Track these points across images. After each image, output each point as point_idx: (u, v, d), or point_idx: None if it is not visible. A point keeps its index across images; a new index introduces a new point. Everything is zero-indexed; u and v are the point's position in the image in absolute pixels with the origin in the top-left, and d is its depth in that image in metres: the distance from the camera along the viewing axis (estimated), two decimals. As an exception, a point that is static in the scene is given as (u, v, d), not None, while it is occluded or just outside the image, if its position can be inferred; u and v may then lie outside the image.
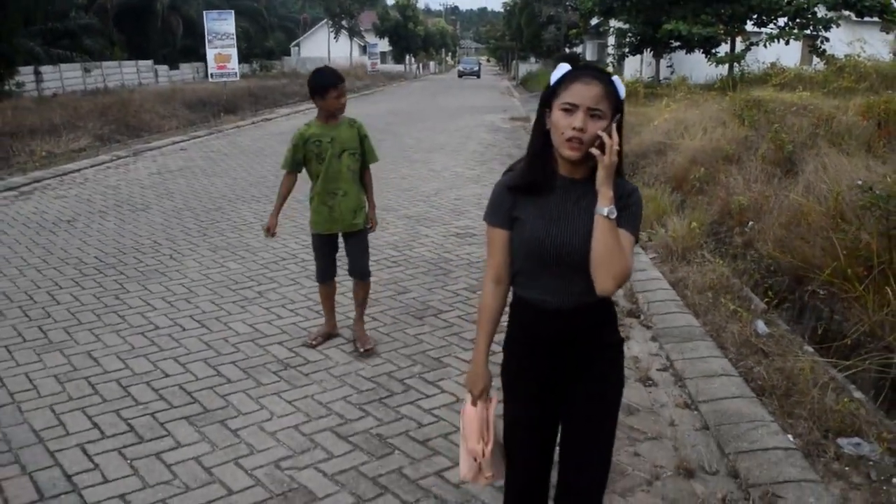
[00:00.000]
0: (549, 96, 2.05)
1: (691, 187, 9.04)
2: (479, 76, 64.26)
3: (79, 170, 11.95)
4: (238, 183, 10.59)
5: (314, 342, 4.64)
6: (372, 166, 4.64)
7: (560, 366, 2.18)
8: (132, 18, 43.33)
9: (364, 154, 4.51)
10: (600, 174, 1.96)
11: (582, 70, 2.03)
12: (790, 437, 3.67)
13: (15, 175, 11.40)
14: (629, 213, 2.04)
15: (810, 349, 4.90)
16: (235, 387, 4.05)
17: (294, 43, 71.50)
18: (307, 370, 4.24)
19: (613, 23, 27.11)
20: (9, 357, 4.44)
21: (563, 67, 2.05)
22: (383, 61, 65.85)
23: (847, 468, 3.45)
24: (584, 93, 1.96)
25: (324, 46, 56.60)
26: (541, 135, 2.08)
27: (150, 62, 40.89)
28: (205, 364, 4.34)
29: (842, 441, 3.68)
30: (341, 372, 4.25)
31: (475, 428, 2.23)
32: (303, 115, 22.62)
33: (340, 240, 4.63)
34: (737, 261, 6.90)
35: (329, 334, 4.75)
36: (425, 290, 5.73)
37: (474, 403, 2.24)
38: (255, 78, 39.67)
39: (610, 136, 1.94)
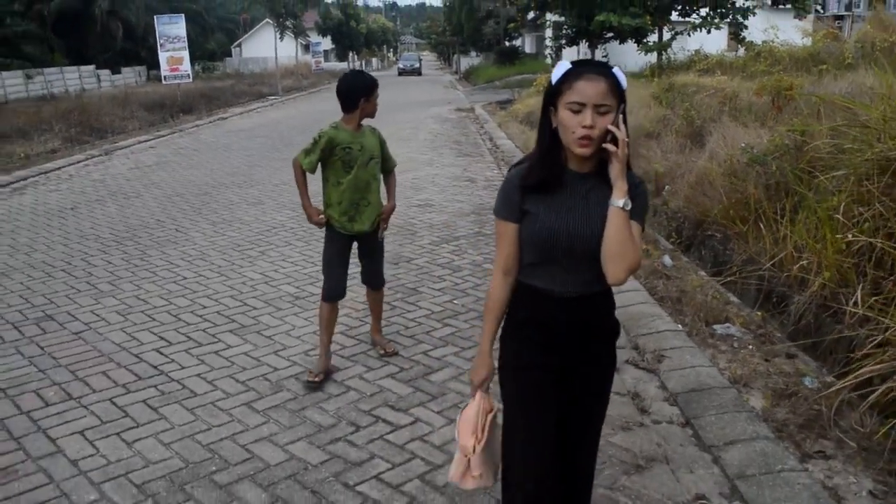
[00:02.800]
0: (552, 95, 2.06)
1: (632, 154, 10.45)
2: (420, 73, 60.58)
3: (59, 168, 12.84)
4: (215, 173, 11.68)
5: (317, 379, 4.10)
6: None
7: (563, 353, 2.21)
8: (70, 24, 42.92)
9: (384, 160, 4.39)
10: (615, 167, 2.00)
11: (584, 67, 2.04)
12: (679, 325, 5.01)
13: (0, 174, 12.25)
14: (638, 205, 2.07)
15: (703, 273, 6.29)
16: (261, 311, 5.26)
17: (235, 44, 71.47)
18: (314, 301, 5.44)
19: (550, 16, 28.62)
20: (72, 302, 5.56)
21: (564, 65, 2.06)
22: (326, 59, 66.40)
23: (718, 342, 4.80)
24: (590, 90, 1.97)
25: (265, 46, 56.95)
26: (548, 133, 2.10)
27: (91, 67, 40.63)
28: (232, 299, 5.54)
29: (716, 326, 5.04)
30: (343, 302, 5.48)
31: (470, 423, 2.26)
32: (256, 114, 23.62)
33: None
34: (656, 216, 8.31)
35: (329, 371, 4.25)
36: (397, 245, 6.98)
37: (474, 392, 2.28)
38: (200, 80, 40.08)
39: (618, 128, 1.99)
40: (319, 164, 4.14)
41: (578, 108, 1.98)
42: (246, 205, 9.11)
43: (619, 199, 2.01)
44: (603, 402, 2.35)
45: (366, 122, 4.25)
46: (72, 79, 36.82)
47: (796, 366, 4.36)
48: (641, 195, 2.11)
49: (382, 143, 4.36)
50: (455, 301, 5.45)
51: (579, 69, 2.03)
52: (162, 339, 4.81)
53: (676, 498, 3.09)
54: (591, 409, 2.32)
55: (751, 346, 4.71)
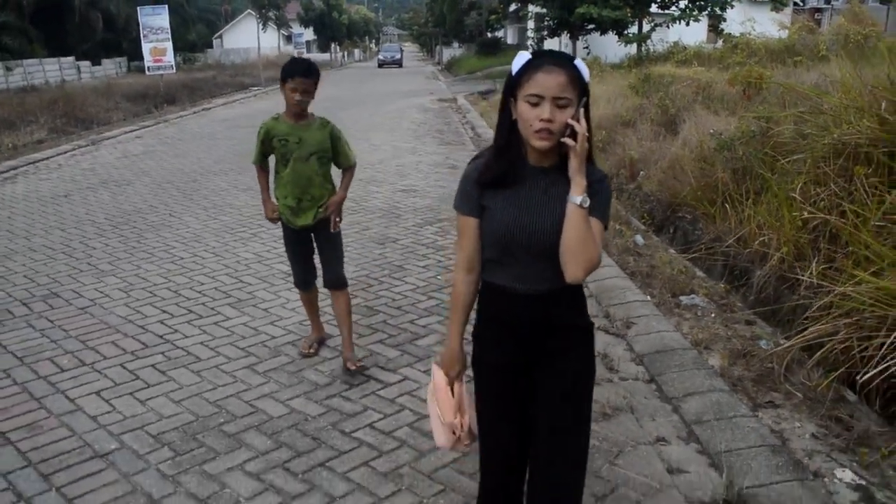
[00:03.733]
0: (512, 86, 2.01)
1: (595, 147, 10.83)
2: (401, 65, 57.71)
3: (48, 158, 13.02)
4: (203, 162, 11.93)
5: (310, 350, 4.35)
6: None
7: (530, 351, 2.16)
8: (49, 15, 42.52)
9: (337, 156, 4.13)
10: (573, 163, 1.96)
11: (543, 58, 1.98)
12: (648, 297, 5.38)
13: (-12, 165, 12.42)
14: (599, 201, 2.02)
15: (672, 251, 6.67)
16: (256, 287, 5.59)
17: (216, 35, 71.22)
18: (305, 277, 5.76)
19: (532, 8, 28.97)
20: (75, 281, 5.85)
21: (523, 56, 2.01)
22: (308, 50, 66.36)
23: (683, 311, 5.17)
24: (548, 82, 1.93)
25: (246, 37, 56.90)
26: (507, 125, 2.06)
27: (71, 58, 40.42)
28: (228, 276, 5.86)
29: (682, 297, 5.42)
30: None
31: (451, 404, 2.29)
32: (239, 105, 23.80)
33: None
34: (630, 199, 8.70)
35: (321, 339, 4.49)
36: (382, 227, 7.31)
37: (451, 385, 2.29)
38: (181, 71, 40.03)
39: (578, 122, 1.95)
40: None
41: (537, 101, 1.94)
42: (235, 191, 9.40)
43: (576, 196, 1.97)
44: (578, 403, 2.21)
45: (319, 114, 4.08)
46: (52, 70, 36.63)
47: (754, 331, 4.75)
48: (604, 191, 2.06)
49: (335, 139, 4.06)
50: (438, 277, 5.79)
51: (538, 60, 1.97)
52: (164, 312, 5.12)
53: (639, 440, 3.45)
54: (567, 407, 2.19)
55: (713, 315, 5.09)
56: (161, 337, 4.67)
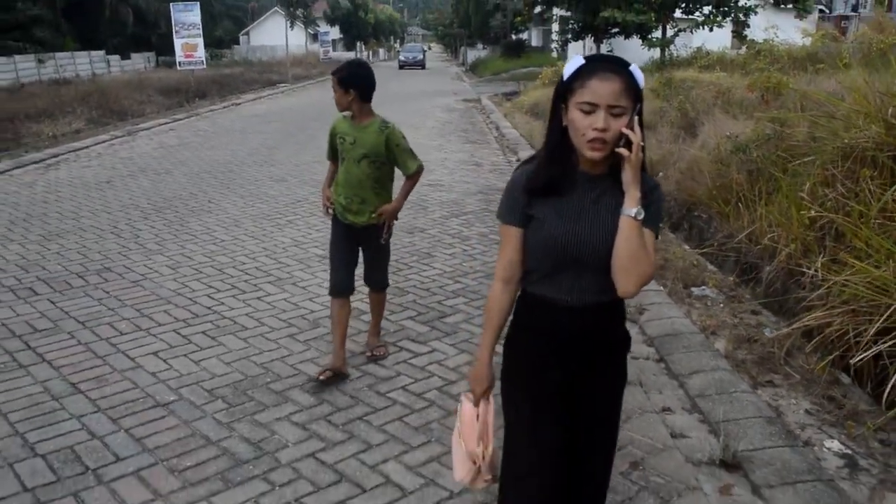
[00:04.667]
0: (563, 92, 1.93)
1: (616, 149, 11.17)
2: (424, 66, 54.22)
3: (87, 147, 13.53)
4: (236, 154, 12.39)
5: (323, 378, 3.96)
6: None
7: (568, 364, 2.10)
8: (81, 9, 43.35)
9: (396, 164, 4.04)
10: (627, 173, 1.88)
11: (598, 63, 1.90)
12: (661, 287, 5.71)
13: (31, 152, 12.93)
14: (652, 212, 1.95)
15: (686, 246, 6.99)
16: (294, 268, 5.99)
17: (243, 31, 72.08)
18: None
19: (556, 11, 29.25)
20: (125, 258, 6.28)
21: (577, 60, 1.92)
22: (334, 49, 67.08)
23: (693, 300, 5.50)
24: (603, 90, 1.84)
25: (273, 35, 57.63)
26: (557, 131, 1.97)
27: (101, 52, 41.21)
28: (267, 258, 6.27)
29: (693, 288, 5.75)
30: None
31: (475, 430, 2.20)
32: (268, 100, 24.32)
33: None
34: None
35: (339, 371, 4.03)
36: (411, 217, 7.69)
37: (476, 403, 2.19)
38: (209, 67, 40.67)
39: (633, 131, 1.86)
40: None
41: (590, 109, 1.85)
42: (270, 181, 9.83)
43: (631, 209, 1.89)
44: (612, 417, 2.22)
45: (381, 116, 4.03)
46: (82, 63, 37.37)
47: (759, 320, 5.07)
48: (657, 201, 1.99)
49: (390, 146, 3.94)
50: (464, 264, 6.16)
51: (593, 66, 1.88)
52: (210, 287, 5.53)
53: (646, 409, 3.80)
54: (601, 425, 2.19)
55: (722, 305, 5.41)
56: (209, 308, 5.08)
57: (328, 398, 3.81)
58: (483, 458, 2.21)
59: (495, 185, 9.45)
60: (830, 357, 4.16)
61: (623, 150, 1.86)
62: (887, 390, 3.63)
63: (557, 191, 1.98)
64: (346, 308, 4.14)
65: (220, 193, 9.04)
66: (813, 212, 5.49)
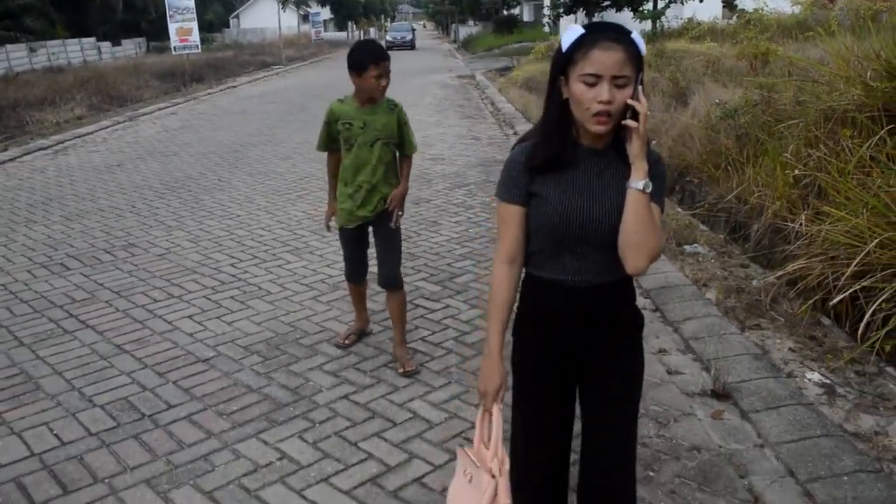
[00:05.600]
0: (562, 63, 1.85)
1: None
2: (413, 46, 51.40)
3: (91, 132, 13.81)
4: (239, 135, 12.69)
5: (346, 341, 4.24)
6: None
7: (578, 348, 2.03)
8: (70, -3, 43.31)
9: (401, 143, 3.93)
10: (635, 145, 1.81)
11: (599, 32, 1.81)
12: (656, 246, 6.06)
13: (36, 139, 13.20)
14: (657, 185, 1.88)
15: (679, 209, 7.35)
16: (309, 239, 6.35)
17: (233, 14, 71.85)
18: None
19: (547, -15, 29.38)
20: (148, 234, 6.63)
21: (575, 30, 1.84)
22: (325, 29, 66.87)
23: (686, 257, 5.86)
24: (607, 60, 1.77)
25: (263, 17, 57.56)
26: (557, 105, 1.90)
27: (92, 40, 41.18)
28: (283, 230, 6.62)
29: (686, 245, 6.11)
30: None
31: (489, 442, 2.01)
32: (264, 82, 24.52)
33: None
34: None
35: (361, 331, 4.35)
36: (416, 189, 8.01)
37: (489, 406, 2.02)
38: (202, 51, 40.63)
39: (639, 101, 1.79)
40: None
41: (594, 81, 1.77)
42: (276, 159, 10.16)
43: (639, 181, 1.82)
44: (629, 399, 2.12)
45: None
46: (74, 51, 37.38)
47: (747, 272, 5.44)
48: (661, 174, 1.92)
49: (402, 125, 3.89)
50: (470, 231, 6.51)
51: (594, 35, 1.79)
52: (232, 257, 5.89)
53: (644, 351, 4.16)
54: (616, 406, 2.09)
55: (713, 260, 5.78)
56: (234, 276, 5.44)
57: (355, 350, 4.18)
58: (500, 472, 1.96)
59: (494, 158, 9.78)
60: (811, 301, 4.53)
61: (631, 122, 1.80)
62: (862, 326, 4.00)
63: (559, 166, 1.92)
64: (364, 286, 4.29)
65: (230, 172, 9.36)
66: (797, 171, 5.84)
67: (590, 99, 1.79)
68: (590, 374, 2.09)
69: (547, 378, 2.09)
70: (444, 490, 2.90)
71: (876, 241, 4.18)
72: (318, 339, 4.34)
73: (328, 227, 4.19)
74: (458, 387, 3.75)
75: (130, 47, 44.83)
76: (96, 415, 3.56)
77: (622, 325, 2.08)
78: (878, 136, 5.07)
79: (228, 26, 66.33)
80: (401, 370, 3.91)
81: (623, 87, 1.79)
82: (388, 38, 53.34)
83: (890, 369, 3.98)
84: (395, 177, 3.96)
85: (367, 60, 3.62)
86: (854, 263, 4.18)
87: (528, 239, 2.01)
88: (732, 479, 3.01)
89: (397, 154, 3.96)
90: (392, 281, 4.01)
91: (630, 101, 1.79)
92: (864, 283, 4.17)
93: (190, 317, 4.71)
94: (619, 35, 1.80)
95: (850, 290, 4.22)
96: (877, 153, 5.09)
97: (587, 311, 2.00)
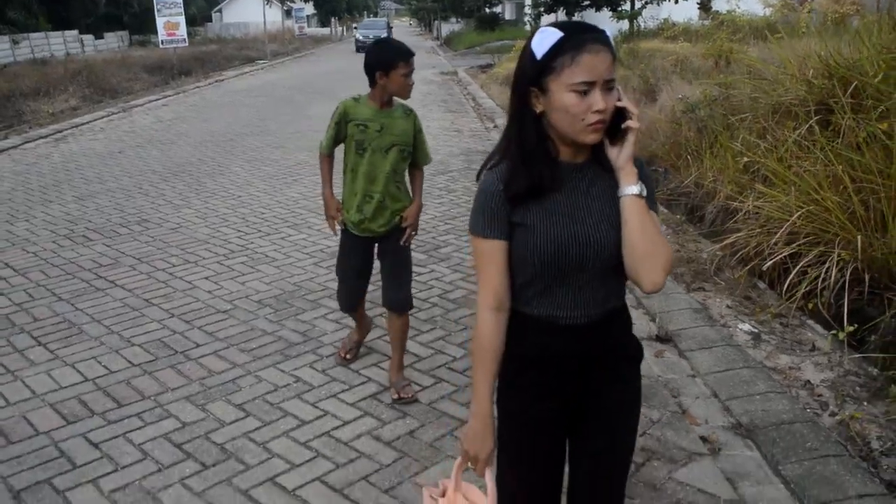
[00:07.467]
0: (537, 73, 1.63)
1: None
2: None
3: (88, 122, 14.32)
4: (231, 125, 13.29)
5: (347, 356, 4.05)
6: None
7: (575, 392, 1.83)
8: (52, -11, 43.38)
9: (415, 152, 3.61)
10: (627, 149, 1.66)
11: (582, 34, 1.62)
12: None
13: (35, 128, 13.71)
14: (650, 189, 1.73)
15: (643, 194, 8.07)
16: (307, 216, 7.01)
17: (216, 9, 72.01)
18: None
19: (528, -15, 30.06)
20: (158, 212, 7.24)
21: (552, 33, 1.62)
22: (309, 25, 67.28)
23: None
24: (599, 65, 1.59)
25: (246, 12, 57.81)
26: (531, 121, 1.69)
27: (75, 32, 41.42)
28: (282, 209, 7.27)
29: (646, 225, 6.82)
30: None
31: None
32: (250, 76, 25.03)
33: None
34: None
35: (360, 342, 4.13)
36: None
37: (480, 472, 1.83)
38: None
39: (622, 101, 1.64)
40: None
41: (587, 89, 1.59)
42: (269, 148, 10.79)
43: (633, 186, 1.66)
44: (626, 438, 1.95)
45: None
46: (56, 44, 37.60)
47: (698, 247, 6.15)
48: (649, 177, 1.75)
49: (418, 132, 3.61)
50: (452, 210, 7.19)
51: (578, 38, 1.61)
52: (239, 231, 6.53)
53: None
54: (616, 471, 1.94)
55: (669, 237, 6.49)
56: (242, 246, 6.09)
57: (353, 303, 4.85)
58: None
59: (475, 149, 10.46)
60: (748, 266, 5.25)
61: (633, 123, 1.65)
62: (786, 285, 4.72)
63: (543, 191, 1.70)
64: (362, 308, 4.01)
65: (227, 159, 9.98)
66: (746, 158, 6.57)
67: (584, 109, 1.61)
68: (586, 416, 1.88)
69: (542, 431, 1.87)
70: (433, 403, 3.60)
71: (798, 213, 4.90)
72: (320, 295, 5.00)
73: (334, 230, 3.78)
74: (442, 331, 4.45)
75: (113, 40, 45.05)
76: (136, 351, 4.20)
77: (620, 360, 1.87)
78: (806, 126, 5.79)
79: (211, 20, 66.50)
80: (395, 396, 3.61)
81: (611, 91, 1.64)
82: (358, 36, 45.24)
83: (811, 322, 4.70)
84: (405, 188, 3.66)
85: (397, 57, 3.35)
86: (780, 232, 4.91)
87: (513, 275, 1.78)
88: (666, 398, 3.72)
89: (407, 166, 3.63)
90: (402, 304, 3.70)
91: (620, 104, 1.65)
92: (792, 250, 4.90)
93: (206, 278, 5.35)
94: (601, 35, 1.65)
95: (780, 256, 4.95)
96: (811, 143, 5.82)
97: (586, 348, 1.79)
